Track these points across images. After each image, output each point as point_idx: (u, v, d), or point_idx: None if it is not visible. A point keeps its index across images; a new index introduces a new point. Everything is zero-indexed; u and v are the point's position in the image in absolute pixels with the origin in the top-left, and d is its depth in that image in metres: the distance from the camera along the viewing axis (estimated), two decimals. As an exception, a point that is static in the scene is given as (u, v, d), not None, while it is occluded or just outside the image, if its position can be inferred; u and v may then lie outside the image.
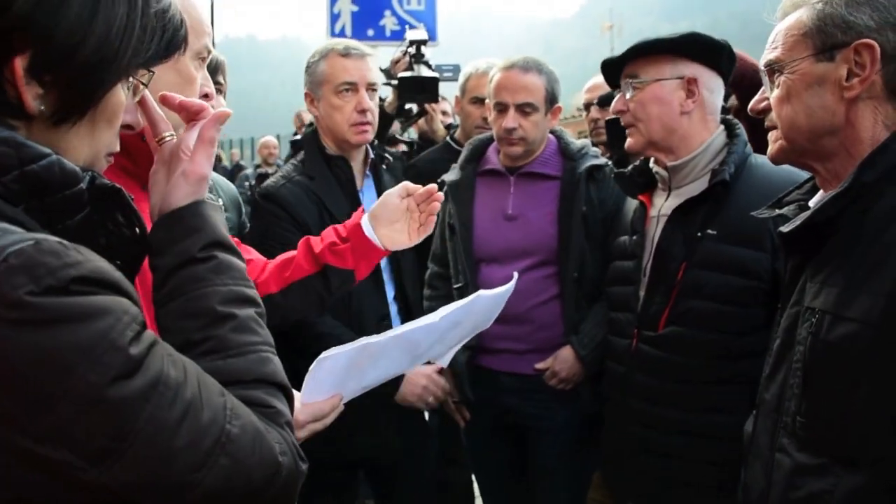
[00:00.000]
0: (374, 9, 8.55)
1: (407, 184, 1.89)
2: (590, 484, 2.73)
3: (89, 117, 0.95)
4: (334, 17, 8.36)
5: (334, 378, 1.47)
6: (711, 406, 2.03)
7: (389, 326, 2.55)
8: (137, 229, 1.01)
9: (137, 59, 0.97)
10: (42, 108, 0.89)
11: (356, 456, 2.60)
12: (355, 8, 8.46)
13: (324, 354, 1.40)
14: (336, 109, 2.57)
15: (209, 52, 1.52)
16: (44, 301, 0.76)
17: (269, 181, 2.66)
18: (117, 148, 1.04)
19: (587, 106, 3.63)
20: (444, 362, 1.79)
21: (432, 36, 7.31)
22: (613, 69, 2.22)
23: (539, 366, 2.66)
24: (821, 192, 1.50)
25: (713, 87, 2.14)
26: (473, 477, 3.47)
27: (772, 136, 1.51)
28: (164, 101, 1.15)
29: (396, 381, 2.52)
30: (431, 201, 1.86)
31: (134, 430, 0.80)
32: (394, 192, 1.88)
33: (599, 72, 2.34)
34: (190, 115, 1.14)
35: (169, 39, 1.03)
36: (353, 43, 2.63)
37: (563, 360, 2.62)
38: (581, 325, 2.62)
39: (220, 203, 2.35)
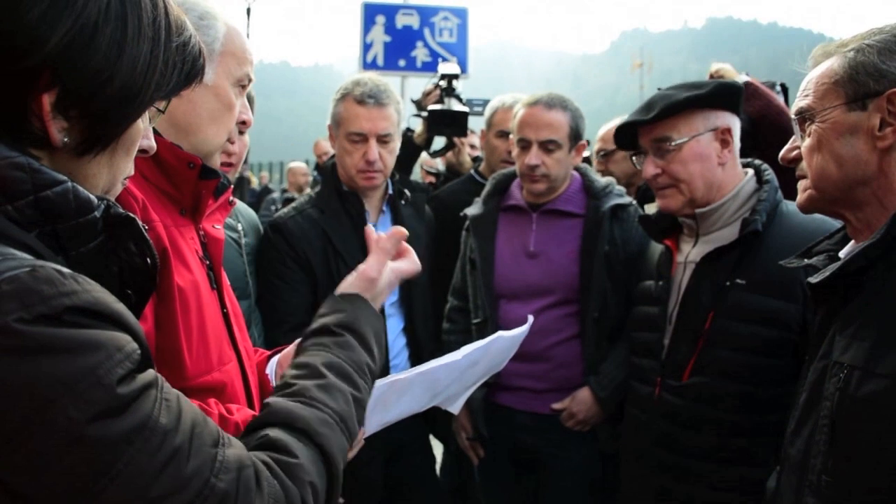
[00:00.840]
0: (406, 40, 8.63)
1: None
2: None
3: (111, 147, 0.96)
4: (367, 47, 8.45)
5: None
6: (736, 458, 1.96)
7: (386, 371, 2.52)
8: (149, 259, 1.01)
9: (160, 93, 0.98)
10: (66, 140, 0.89)
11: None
12: (388, 38, 8.54)
13: None
14: (346, 153, 2.58)
15: (250, 80, 1.52)
16: (32, 330, 0.74)
17: (281, 211, 2.68)
18: (132, 172, 1.04)
19: (598, 152, 3.60)
20: (456, 409, 1.76)
21: (463, 68, 7.35)
22: (629, 130, 2.15)
23: (556, 406, 2.61)
24: (852, 242, 1.45)
25: (738, 132, 2.11)
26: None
27: (801, 184, 1.46)
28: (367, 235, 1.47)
29: None
30: None
31: (111, 473, 0.76)
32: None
33: (623, 114, 2.31)
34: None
35: (188, 71, 1.04)
36: (374, 86, 2.57)
37: (581, 402, 2.57)
38: (601, 365, 2.57)
39: (240, 227, 2.37)
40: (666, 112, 2.05)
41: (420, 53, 8.58)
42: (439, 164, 5.17)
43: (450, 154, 3.81)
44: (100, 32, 0.88)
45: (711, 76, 2.73)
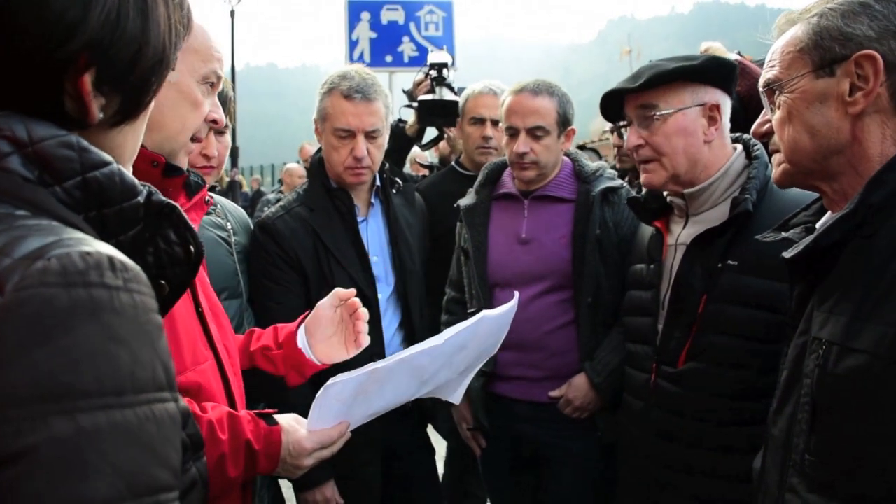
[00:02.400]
0: (392, 36, 8.61)
1: (338, 291, 1.82)
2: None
3: (140, 117, 0.96)
4: (353, 45, 8.44)
5: (341, 405, 1.45)
6: (734, 447, 1.92)
7: None
8: (192, 248, 1.00)
9: (175, 53, 0.99)
10: (101, 115, 0.89)
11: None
12: (373, 34, 8.53)
13: (331, 381, 1.38)
14: (333, 149, 2.53)
15: (219, 78, 1.50)
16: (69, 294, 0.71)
17: (269, 210, 2.63)
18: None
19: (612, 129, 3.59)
20: (456, 399, 1.74)
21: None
22: (616, 101, 2.11)
23: (553, 394, 2.60)
24: (829, 213, 1.42)
25: (728, 110, 2.07)
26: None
27: (776, 159, 1.44)
28: None
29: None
30: (356, 319, 1.80)
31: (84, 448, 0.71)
32: (326, 304, 1.82)
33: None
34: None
35: (185, 32, 1.04)
36: (362, 80, 2.52)
37: (577, 388, 2.56)
38: (596, 351, 2.56)
39: (230, 226, 2.36)
40: (654, 81, 2.00)
41: (407, 48, 8.57)
42: (430, 156, 5.13)
43: (443, 145, 3.78)
44: (128, 3, 0.87)
45: None
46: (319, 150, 2.66)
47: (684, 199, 2.07)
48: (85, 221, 0.83)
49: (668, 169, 2.02)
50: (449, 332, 1.48)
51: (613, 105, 2.14)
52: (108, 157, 0.87)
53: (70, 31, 0.82)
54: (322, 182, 2.61)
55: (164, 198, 0.95)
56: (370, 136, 2.51)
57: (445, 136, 3.37)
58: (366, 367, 1.40)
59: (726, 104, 2.06)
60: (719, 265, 1.93)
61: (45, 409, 0.68)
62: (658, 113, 2.00)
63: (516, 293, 1.63)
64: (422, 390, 1.58)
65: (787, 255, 1.35)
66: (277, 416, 1.52)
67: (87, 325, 0.71)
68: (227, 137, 2.25)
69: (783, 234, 1.48)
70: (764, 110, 1.47)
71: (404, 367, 1.46)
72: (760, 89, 1.45)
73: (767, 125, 1.46)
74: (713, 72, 2.02)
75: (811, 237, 1.31)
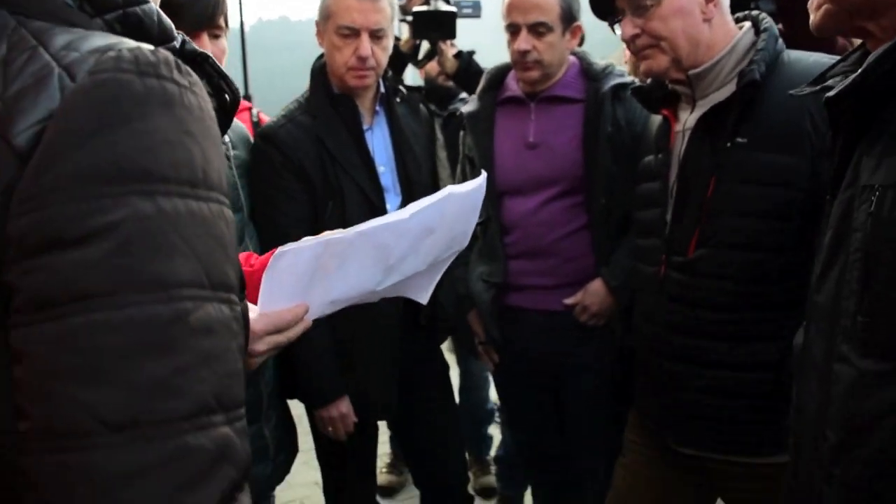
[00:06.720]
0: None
1: None
2: (626, 423, 2.61)
3: None
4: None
5: (296, 280, 1.28)
6: (751, 334, 1.86)
7: None
8: (227, 96, 0.98)
9: None
10: None
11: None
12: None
13: (280, 250, 1.23)
14: (336, 49, 2.41)
15: None
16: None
17: (271, 120, 2.54)
18: None
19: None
20: (424, 298, 1.59)
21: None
22: None
23: (568, 301, 2.54)
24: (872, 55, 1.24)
25: None
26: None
27: (813, 2, 1.26)
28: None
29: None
30: None
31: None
32: None
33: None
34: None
35: None
36: None
37: (594, 294, 2.50)
38: (612, 255, 2.48)
39: (227, 139, 2.29)
40: None
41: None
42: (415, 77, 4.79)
43: (431, 66, 3.62)
44: None
45: None
46: (321, 56, 2.56)
47: (690, 84, 1.96)
48: None
49: (669, 52, 1.91)
50: (414, 207, 1.35)
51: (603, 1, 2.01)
52: None
53: None
54: (325, 89, 2.50)
55: (196, 47, 0.92)
56: (375, 35, 2.40)
57: (439, 52, 3.19)
58: (321, 236, 1.28)
59: None
60: (728, 144, 1.83)
61: (126, 188, 0.68)
62: None
63: (483, 172, 1.53)
64: (387, 280, 1.42)
65: (830, 94, 1.19)
66: None
67: (162, 114, 0.71)
68: (224, 42, 2.17)
69: (820, 85, 1.33)
70: None
71: (366, 242, 1.32)
72: None
73: None
74: None
75: (860, 70, 1.14)
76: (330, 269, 1.31)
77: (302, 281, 1.29)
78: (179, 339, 0.69)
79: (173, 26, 0.87)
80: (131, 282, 0.68)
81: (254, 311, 1.30)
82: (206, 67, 0.93)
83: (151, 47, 0.74)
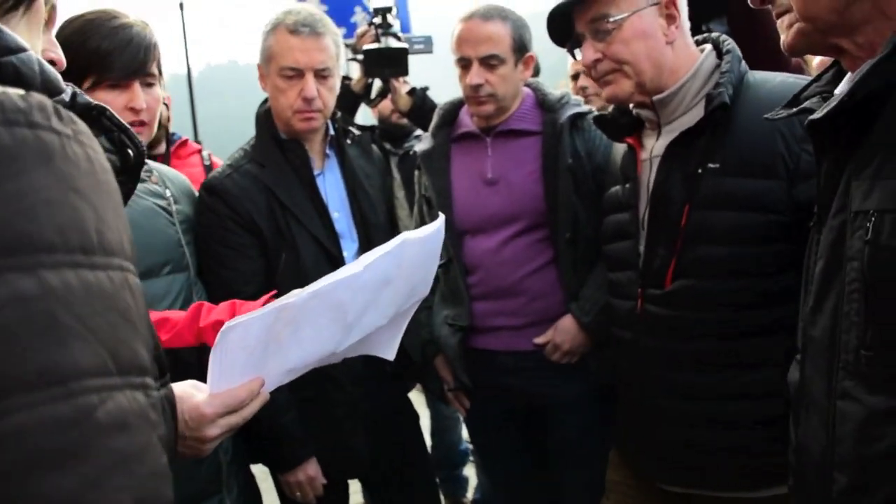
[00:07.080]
0: (343, 7, 8.32)
1: None
2: (607, 464, 2.50)
3: (26, 18, 0.81)
4: (303, 20, 8.15)
5: (248, 355, 1.18)
6: (737, 363, 1.78)
7: None
8: (130, 151, 0.87)
9: None
10: None
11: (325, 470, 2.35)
12: (324, 7, 8.22)
13: (228, 324, 1.12)
14: (280, 92, 2.29)
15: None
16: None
17: (215, 171, 2.40)
18: None
19: (575, 77, 3.40)
20: (390, 355, 1.50)
21: (405, 27, 7.09)
22: (563, 20, 1.91)
23: (538, 340, 2.43)
24: (849, 75, 1.21)
25: (685, 6, 1.89)
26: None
27: (784, 21, 1.22)
28: None
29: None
30: None
31: None
32: None
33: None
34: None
35: None
36: (309, 15, 2.29)
37: (565, 331, 2.39)
38: (581, 290, 2.39)
39: (168, 194, 2.15)
40: None
41: (360, 18, 8.27)
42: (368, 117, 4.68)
43: (384, 105, 3.53)
44: None
45: None
46: (266, 100, 2.44)
47: (654, 110, 1.90)
48: None
49: (632, 77, 1.85)
50: (367, 258, 1.25)
51: (561, 26, 1.94)
52: (24, 43, 0.72)
53: None
54: (271, 134, 2.37)
55: (91, 99, 0.82)
56: (320, 74, 2.29)
57: (391, 89, 3.09)
58: (271, 304, 1.17)
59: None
60: (699, 170, 1.76)
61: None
62: (611, 19, 1.82)
63: (441, 215, 1.42)
64: (348, 339, 1.32)
65: (814, 117, 1.14)
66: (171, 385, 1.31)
67: (39, 169, 0.60)
68: (158, 90, 2.03)
69: (794, 109, 1.28)
70: None
71: (319, 303, 1.22)
72: None
73: None
74: None
75: (843, 91, 1.09)
76: (284, 337, 1.20)
77: (255, 354, 1.18)
78: (87, 442, 0.58)
79: (59, 77, 0.76)
80: (18, 379, 0.55)
81: (201, 391, 1.19)
82: (103, 121, 0.83)
83: (21, 91, 0.63)
